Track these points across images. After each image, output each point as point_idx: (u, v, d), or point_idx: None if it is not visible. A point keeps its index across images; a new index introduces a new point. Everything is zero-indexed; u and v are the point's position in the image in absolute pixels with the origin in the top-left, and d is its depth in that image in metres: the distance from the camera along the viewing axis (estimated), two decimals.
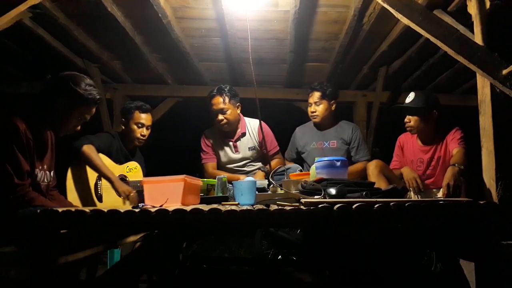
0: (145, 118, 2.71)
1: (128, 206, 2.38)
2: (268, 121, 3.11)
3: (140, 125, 2.69)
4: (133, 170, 2.63)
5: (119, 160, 2.59)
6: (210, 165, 2.97)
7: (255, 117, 2.87)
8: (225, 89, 2.84)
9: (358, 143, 2.95)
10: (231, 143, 2.94)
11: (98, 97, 1.81)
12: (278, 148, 3.03)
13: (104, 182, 2.44)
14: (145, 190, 1.74)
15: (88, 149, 2.34)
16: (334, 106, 2.97)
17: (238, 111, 2.91)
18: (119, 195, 2.37)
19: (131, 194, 2.36)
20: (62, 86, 1.74)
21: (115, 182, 2.36)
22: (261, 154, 2.94)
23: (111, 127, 3.53)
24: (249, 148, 2.95)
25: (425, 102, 2.43)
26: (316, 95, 2.91)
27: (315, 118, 2.96)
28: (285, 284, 2.45)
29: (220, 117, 2.82)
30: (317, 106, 2.93)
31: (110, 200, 2.45)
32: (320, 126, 3.01)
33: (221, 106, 2.81)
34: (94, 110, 1.84)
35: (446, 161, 2.43)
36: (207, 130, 3.04)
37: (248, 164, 2.97)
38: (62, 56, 2.99)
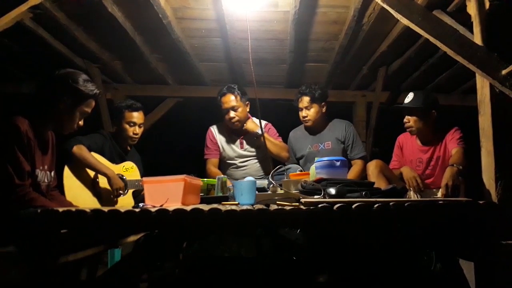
0: (136, 116, 2.71)
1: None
2: (268, 121, 3.13)
3: (132, 124, 2.69)
4: (129, 169, 2.64)
5: (114, 160, 2.60)
6: (211, 161, 3.01)
7: (256, 117, 2.91)
8: (235, 88, 2.90)
9: (353, 140, 2.95)
10: (238, 139, 2.99)
11: (97, 91, 1.83)
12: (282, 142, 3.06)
13: (101, 179, 2.45)
14: (145, 190, 1.74)
15: (79, 149, 2.35)
16: (325, 107, 2.96)
17: (247, 109, 2.96)
18: (112, 191, 2.40)
19: (120, 192, 2.42)
20: (62, 86, 1.74)
21: (112, 178, 2.39)
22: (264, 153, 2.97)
23: (112, 127, 3.53)
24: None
25: (423, 102, 2.44)
26: (306, 99, 2.90)
27: (307, 122, 2.96)
28: (285, 284, 2.45)
29: (232, 114, 2.87)
30: (308, 111, 2.92)
31: (110, 197, 2.46)
32: (313, 129, 3.00)
33: (233, 103, 2.86)
34: (94, 103, 1.85)
35: (446, 161, 2.43)
36: (214, 125, 3.08)
37: (251, 159, 3.00)
38: (63, 56, 3.00)
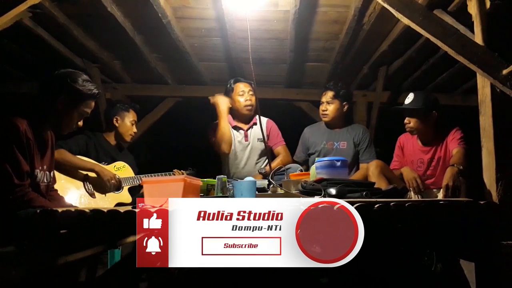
0: (135, 117, 2.86)
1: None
2: None
3: (133, 123, 2.83)
4: (121, 169, 2.66)
5: (101, 160, 2.62)
6: None
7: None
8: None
9: (367, 145, 2.96)
10: (242, 131, 3.00)
11: (96, 91, 1.82)
12: (283, 143, 3.05)
13: (92, 175, 2.47)
14: (145, 190, 1.74)
15: (60, 155, 2.35)
16: (346, 107, 2.97)
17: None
18: (105, 184, 2.46)
19: (112, 181, 2.49)
20: (60, 85, 1.73)
21: (100, 171, 2.45)
22: (267, 149, 2.97)
23: (106, 126, 3.53)
24: (258, 139, 3.01)
25: (424, 103, 2.43)
26: (329, 94, 2.92)
27: (325, 117, 2.96)
28: (286, 284, 2.45)
29: (250, 97, 2.90)
30: (328, 105, 2.92)
31: (103, 197, 2.50)
32: (331, 126, 3.00)
33: (251, 91, 2.89)
34: (93, 104, 1.85)
35: (447, 161, 2.43)
36: (216, 121, 3.07)
37: (256, 155, 3.00)
38: (62, 56, 2.99)
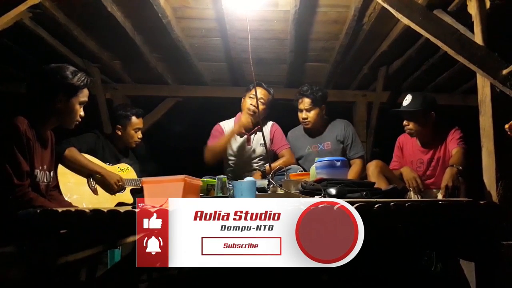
0: (141, 122, 2.86)
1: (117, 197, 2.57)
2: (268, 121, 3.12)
3: (137, 130, 2.83)
4: (125, 170, 2.69)
5: (107, 160, 2.65)
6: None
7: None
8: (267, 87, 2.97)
9: (352, 140, 2.94)
10: (245, 136, 3.00)
11: (88, 80, 1.81)
12: (288, 146, 3.04)
13: (96, 180, 2.49)
14: (145, 190, 1.73)
15: (70, 152, 2.42)
16: (325, 109, 2.96)
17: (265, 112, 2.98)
18: (112, 186, 2.49)
19: (120, 183, 2.52)
20: (53, 85, 1.72)
21: (106, 174, 2.48)
22: (270, 153, 2.96)
23: (111, 129, 3.53)
24: (260, 144, 3.01)
25: (422, 105, 2.42)
26: (307, 101, 2.88)
27: (307, 124, 2.94)
28: (286, 283, 2.45)
29: (255, 103, 2.87)
30: (308, 113, 2.90)
31: (106, 191, 2.52)
32: (312, 130, 2.98)
33: (263, 96, 2.88)
34: (88, 92, 1.84)
35: (446, 162, 2.43)
36: (223, 121, 3.08)
37: (258, 160, 3.00)
38: (62, 56, 2.99)
